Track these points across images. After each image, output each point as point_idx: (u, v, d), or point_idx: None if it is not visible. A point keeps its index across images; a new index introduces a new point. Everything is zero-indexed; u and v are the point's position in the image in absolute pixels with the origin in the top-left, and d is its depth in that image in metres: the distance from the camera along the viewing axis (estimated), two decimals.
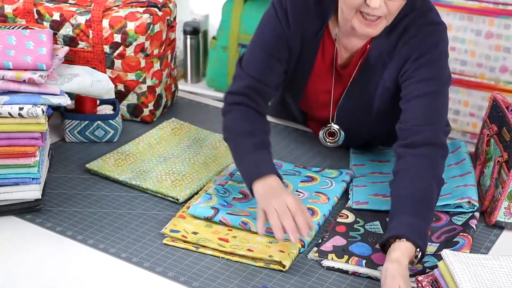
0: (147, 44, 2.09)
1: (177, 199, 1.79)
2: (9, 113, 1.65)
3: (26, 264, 1.58)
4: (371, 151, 2.02)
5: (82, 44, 2.10)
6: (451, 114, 2.70)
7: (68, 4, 2.11)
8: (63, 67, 1.83)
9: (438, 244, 1.64)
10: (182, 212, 1.74)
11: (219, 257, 1.61)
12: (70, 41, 2.09)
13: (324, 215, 1.74)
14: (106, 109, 2.09)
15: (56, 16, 2.08)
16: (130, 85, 2.13)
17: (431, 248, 1.63)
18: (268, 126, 1.78)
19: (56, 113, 2.07)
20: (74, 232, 1.68)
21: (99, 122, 2.03)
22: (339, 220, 1.73)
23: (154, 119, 2.19)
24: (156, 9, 2.11)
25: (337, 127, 1.94)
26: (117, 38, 2.07)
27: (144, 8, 2.10)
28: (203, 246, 1.62)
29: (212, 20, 3.12)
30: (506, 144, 1.74)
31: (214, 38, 2.95)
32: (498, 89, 2.53)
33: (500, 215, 1.73)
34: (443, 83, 1.73)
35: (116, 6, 2.11)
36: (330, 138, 1.97)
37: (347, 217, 1.75)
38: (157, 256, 1.61)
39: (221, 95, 2.95)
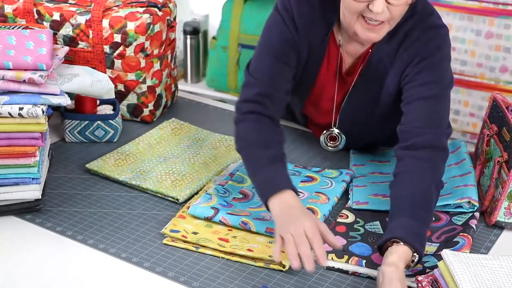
0: (147, 44, 2.09)
1: (177, 199, 1.79)
2: (9, 113, 1.65)
3: (26, 264, 1.58)
4: (371, 151, 2.02)
5: (82, 44, 2.10)
6: (451, 114, 2.69)
7: (68, 4, 2.12)
8: (63, 67, 1.83)
9: (438, 244, 1.64)
10: (182, 212, 1.74)
11: (219, 257, 1.61)
12: (70, 41, 2.09)
13: (324, 215, 1.74)
14: (106, 109, 2.09)
15: (56, 16, 2.08)
16: (130, 85, 2.13)
17: (431, 248, 1.63)
18: (283, 136, 1.73)
19: (56, 113, 2.07)
20: (74, 232, 1.68)
21: (99, 122, 2.03)
22: (339, 220, 1.73)
23: (154, 119, 2.19)
24: (156, 9, 2.11)
25: (338, 131, 1.94)
26: (117, 38, 2.07)
27: (144, 8, 2.10)
28: (203, 246, 1.62)
29: (212, 20, 3.12)
30: (506, 144, 1.74)
31: (214, 38, 2.94)
32: (498, 89, 2.53)
33: (500, 215, 1.73)
34: (445, 87, 1.73)
35: (116, 6, 2.11)
36: (331, 142, 1.96)
37: (347, 217, 1.75)
38: (157, 256, 1.61)
39: (221, 95, 2.95)
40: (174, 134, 2.08)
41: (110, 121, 2.04)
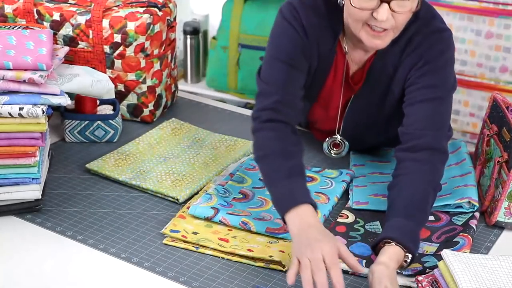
0: (147, 44, 2.09)
1: (177, 199, 1.79)
2: (9, 113, 1.65)
3: (26, 264, 1.58)
4: (372, 151, 2.02)
5: (82, 44, 2.10)
6: (451, 114, 2.69)
7: (68, 4, 2.12)
8: (63, 67, 1.83)
9: (438, 244, 1.64)
10: (182, 212, 1.74)
11: (219, 257, 1.61)
12: (70, 41, 2.09)
13: (324, 215, 1.74)
14: (106, 109, 2.09)
15: (56, 16, 2.08)
16: (130, 85, 2.13)
17: (431, 248, 1.64)
18: (302, 145, 1.69)
19: (56, 113, 2.07)
20: (74, 232, 1.68)
21: (99, 122, 2.03)
22: (339, 220, 1.73)
23: (154, 119, 2.19)
24: (156, 9, 2.11)
25: (342, 138, 1.92)
26: (117, 38, 2.07)
27: (144, 8, 2.10)
28: (203, 246, 1.62)
29: (212, 20, 3.12)
30: (506, 144, 1.74)
31: (214, 38, 2.94)
32: (498, 89, 2.53)
33: (500, 215, 1.73)
34: (448, 90, 1.72)
35: (116, 6, 2.11)
36: (334, 149, 1.95)
37: (347, 217, 1.75)
38: (157, 256, 1.61)
39: (221, 95, 2.95)
40: (174, 134, 2.08)
41: (110, 121, 2.04)
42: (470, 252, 1.61)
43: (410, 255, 1.54)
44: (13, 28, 1.91)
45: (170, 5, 2.18)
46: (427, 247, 1.64)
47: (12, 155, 1.67)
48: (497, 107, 1.82)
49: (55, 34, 2.09)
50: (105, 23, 2.07)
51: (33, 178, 1.70)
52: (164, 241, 1.65)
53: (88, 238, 1.66)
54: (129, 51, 2.08)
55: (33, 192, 1.71)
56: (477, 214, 1.74)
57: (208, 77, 2.98)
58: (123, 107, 2.16)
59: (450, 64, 1.74)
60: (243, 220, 1.68)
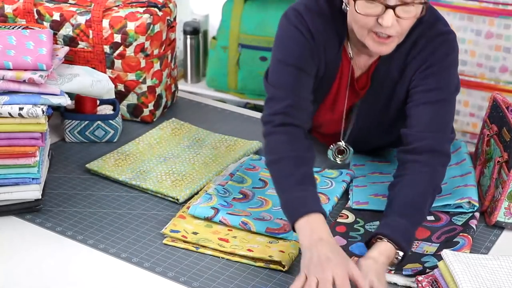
0: (147, 44, 2.09)
1: (177, 199, 1.79)
2: (9, 113, 1.65)
3: (26, 264, 1.58)
4: (372, 151, 2.02)
5: (82, 44, 2.10)
6: None
7: (68, 4, 2.12)
8: (63, 67, 1.83)
9: (438, 244, 1.64)
10: (182, 212, 1.74)
11: (219, 257, 1.61)
12: (70, 41, 2.09)
13: None
14: (106, 109, 2.09)
15: (56, 16, 2.08)
16: (130, 85, 2.13)
17: (431, 248, 1.64)
18: (314, 151, 1.67)
19: (56, 113, 2.07)
20: (74, 232, 1.68)
21: (99, 122, 2.03)
22: (339, 220, 1.73)
23: (154, 119, 2.19)
24: (156, 9, 2.11)
25: (346, 144, 1.91)
26: (117, 38, 2.07)
27: (144, 8, 2.10)
28: (203, 246, 1.62)
29: (212, 20, 3.12)
30: (506, 144, 1.74)
31: (214, 38, 2.94)
32: (498, 89, 2.53)
33: (500, 215, 1.73)
34: (451, 92, 1.72)
35: (116, 6, 2.11)
36: (339, 156, 1.95)
37: (347, 217, 1.75)
38: (157, 256, 1.61)
39: (221, 95, 2.95)
40: (174, 134, 2.08)
41: (110, 121, 2.04)
42: (470, 252, 1.61)
43: (401, 253, 1.54)
44: (13, 28, 1.91)
45: (170, 5, 2.18)
46: (427, 247, 1.64)
47: (12, 155, 1.67)
48: (497, 107, 1.82)
49: (55, 34, 2.09)
50: (105, 23, 2.07)
51: (33, 178, 1.70)
52: (164, 241, 1.65)
53: (88, 238, 1.66)
54: (129, 51, 2.08)
55: (33, 192, 1.71)
56: (477, 214, 1.74)
57: (208, 77, 2.98)
58: (123, 107, 2.16)
59: (454, 66, 1.74)
60: (243, 220, 1.68)
